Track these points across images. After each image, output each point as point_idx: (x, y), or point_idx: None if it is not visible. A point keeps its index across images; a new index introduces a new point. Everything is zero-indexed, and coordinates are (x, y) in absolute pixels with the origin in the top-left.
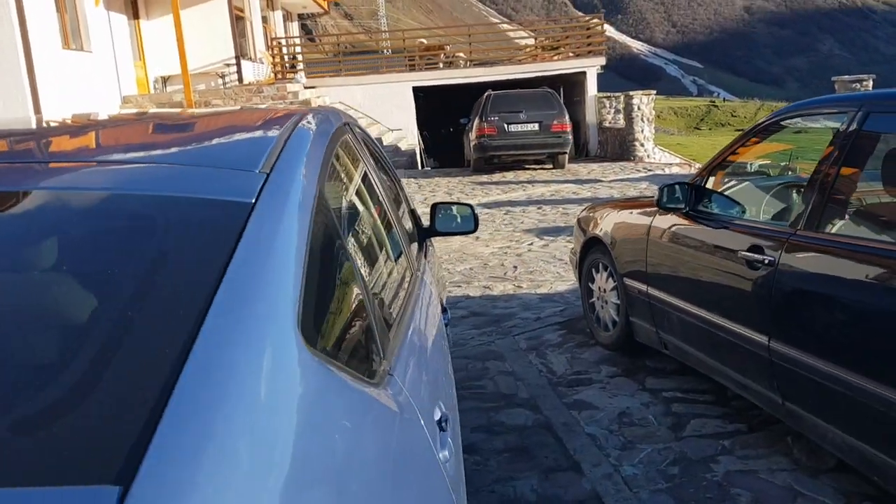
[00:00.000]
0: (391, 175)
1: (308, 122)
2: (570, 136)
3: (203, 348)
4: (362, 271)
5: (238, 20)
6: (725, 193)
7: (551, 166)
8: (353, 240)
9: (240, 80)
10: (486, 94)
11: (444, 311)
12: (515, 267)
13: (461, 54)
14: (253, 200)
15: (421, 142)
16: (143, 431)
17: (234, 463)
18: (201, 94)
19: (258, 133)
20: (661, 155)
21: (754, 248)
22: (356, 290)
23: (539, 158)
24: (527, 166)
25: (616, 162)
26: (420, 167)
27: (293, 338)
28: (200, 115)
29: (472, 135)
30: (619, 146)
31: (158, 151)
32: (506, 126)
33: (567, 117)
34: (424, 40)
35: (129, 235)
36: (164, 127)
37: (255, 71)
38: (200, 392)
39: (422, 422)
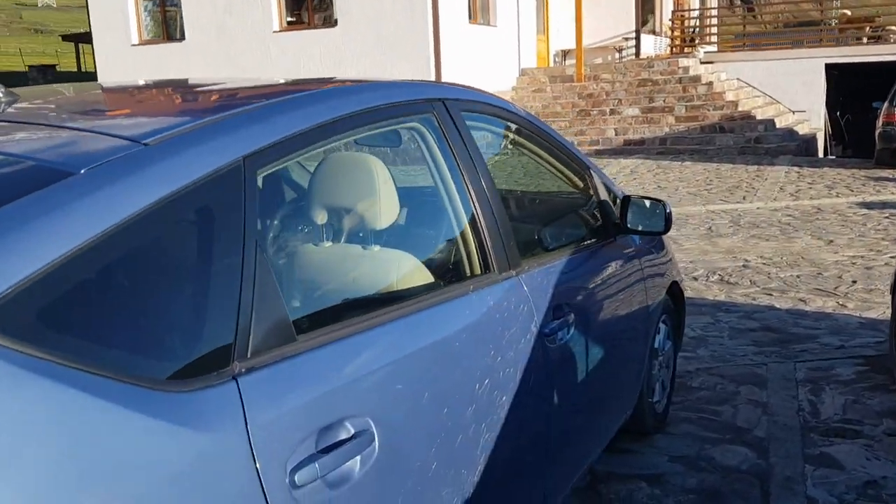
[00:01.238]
0: (564, 162)
1: (325, 97)
2: None
3: None
4: (276, 260)
5: None
6: None
7: None
8: (296, 223)
9: (637, 54)
10: None
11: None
12: (854, 281)
13: (895, 27)
14: (80, 171)
15: (829, 127)
16: None
17: None
18: (593, 67)
19: (234, 104)
20: None
21: None
22: (224, 280)
23: None
24: None
25: None
26: (824, 154)
27: None
28: (223, 82)
29: (879, 122)
30: None
31: (84, 115)
32: None
33: None
34: (849, 11)
35: None
36: (144, 91)
37: (656, 45)
38: None
39: (252, 448)
